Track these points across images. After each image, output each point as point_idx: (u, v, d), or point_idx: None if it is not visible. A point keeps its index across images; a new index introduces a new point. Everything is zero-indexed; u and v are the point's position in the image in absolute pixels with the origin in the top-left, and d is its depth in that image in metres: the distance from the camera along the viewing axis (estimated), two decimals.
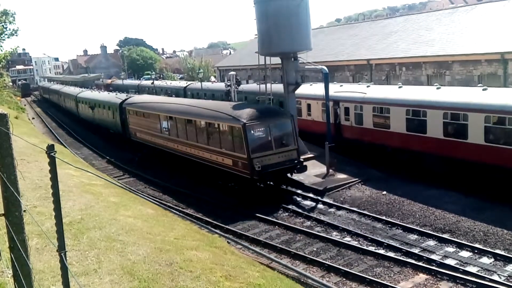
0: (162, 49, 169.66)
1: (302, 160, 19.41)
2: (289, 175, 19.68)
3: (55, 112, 64.49)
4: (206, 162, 21.30)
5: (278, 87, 25.83)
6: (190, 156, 22.74)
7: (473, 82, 24.76)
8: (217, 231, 14.28)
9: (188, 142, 22.78)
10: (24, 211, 3.80)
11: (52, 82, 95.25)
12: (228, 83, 29.68)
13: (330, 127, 22.24)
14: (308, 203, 18.36)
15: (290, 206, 17.94)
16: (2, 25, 29.67)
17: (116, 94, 39.49)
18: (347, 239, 14.60)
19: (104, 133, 37.80)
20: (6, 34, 30.52)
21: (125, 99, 32.66)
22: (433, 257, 12.79)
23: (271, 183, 19.71)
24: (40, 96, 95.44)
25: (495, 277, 11.51)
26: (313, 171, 21.37)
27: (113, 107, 33.75)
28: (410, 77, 30.36)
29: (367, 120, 22.06)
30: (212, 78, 70.07)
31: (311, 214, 16.93)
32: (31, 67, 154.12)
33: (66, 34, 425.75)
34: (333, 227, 15.65)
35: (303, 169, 19.28)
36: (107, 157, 30.46)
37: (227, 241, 12.11)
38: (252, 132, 18.51)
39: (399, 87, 21.62)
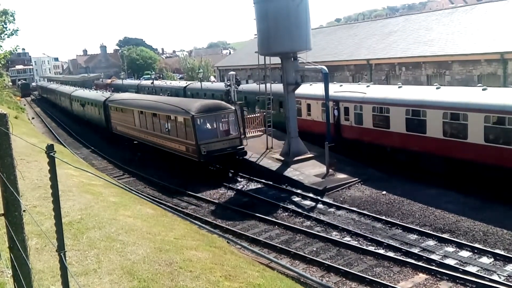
0: (162, 49, 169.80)
1: (243, 147, 22.47)
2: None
3: (53, 111, 64.84)
4: (168, 149, 24.70)
5: (278, 87, 25.83)
6: (157, 145, 25.96)
7: (473, 82, 24.75)
8: (217, 231, 14.29)
9: (155, 133, 26.08)
10: (24, 211, 3.79)
11: (50, 82, 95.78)
12: (228, 83, 29.64)
13: (330, 127, 22.24)
14: (307, 203, 18.34)
15: (289, 206, 17.93)
16: (2, 25, 29.63)
17: (103, 92, 43.51)
18: (347, 239, 14.59)
19: (94, 128, 40.74)
20: (6, 34, 30.49)
21: (108, 97, 36.06)
22: (433, 257, 12.79)
23: (219, 166, 22.95)
24: (39, 96, 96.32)
25: (495, 277, 11.51)
26: (313, 171, 21.37)
27: (98, 104, 37.27)
28: (410, 77, 30.36)
29: (366, 120, 22.06)
30: (212, 78, 70.08)
31: (311, 214, 16.91)
32: (31, 67, 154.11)
33: (66, 34, 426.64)
34: (332, 227, 15.64)
35: (244, 154, 22.35)
36: (92, 147, 33.58)
37: (227, 241, 12.11)
38: (199, 122, 21.92)
39: (399, 87, 21.62)
